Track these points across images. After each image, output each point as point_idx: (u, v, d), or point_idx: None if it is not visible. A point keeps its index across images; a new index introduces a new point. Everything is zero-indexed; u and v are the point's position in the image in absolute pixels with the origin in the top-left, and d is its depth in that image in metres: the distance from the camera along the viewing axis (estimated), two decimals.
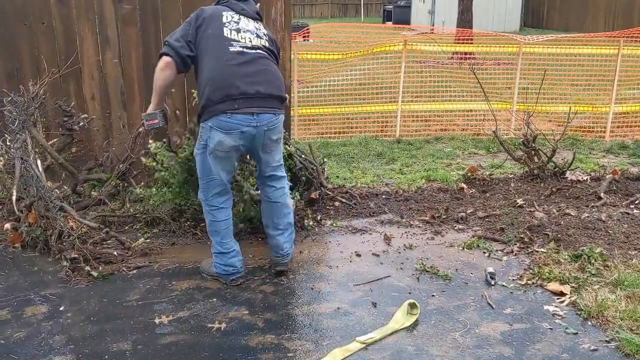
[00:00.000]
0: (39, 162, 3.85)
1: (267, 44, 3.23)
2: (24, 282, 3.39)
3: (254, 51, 3.13)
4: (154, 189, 3.93)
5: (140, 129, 4.08)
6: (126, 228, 4.08)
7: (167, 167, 3.83)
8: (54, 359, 2.67)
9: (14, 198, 3.77)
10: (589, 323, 2.95)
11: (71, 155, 4.30)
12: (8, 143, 3.91)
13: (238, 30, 3.14)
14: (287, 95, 3.38)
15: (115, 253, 3.62)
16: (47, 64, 4.36)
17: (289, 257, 3.45)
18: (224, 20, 3.15)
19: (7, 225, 3.86)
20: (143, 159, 3.97)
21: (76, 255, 3.45)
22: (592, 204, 4.51)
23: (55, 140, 4.21)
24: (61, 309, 3.09)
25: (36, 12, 4.36)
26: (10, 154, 3.87)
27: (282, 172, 3.44)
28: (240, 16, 3.22)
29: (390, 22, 22.68)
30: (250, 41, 3.15)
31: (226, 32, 3.12)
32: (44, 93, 3.95)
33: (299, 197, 4.11)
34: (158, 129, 3.49)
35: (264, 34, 3.26)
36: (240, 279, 3.34)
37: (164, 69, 3.12)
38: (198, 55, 3.13)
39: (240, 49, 3.10)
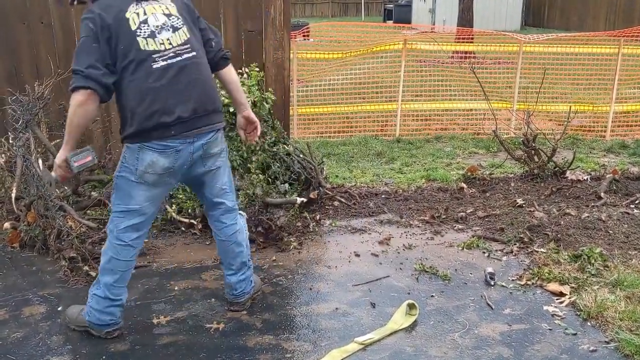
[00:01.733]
0: (40, 161, 3.85)
1: (187, 34, 2.69)
2: (22, 282, 3.38)
3: (178, 59, 2.63)
4: None
5: None
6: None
7: None
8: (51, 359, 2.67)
9: (13, 196, 3.77)
10: (589, 324, 2.94)
11: None
12: (11, 141, 3.91)
13: (153, 36, 2.59)
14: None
15: None
16: (46, 64, 4.35)
17: (246, 296, 3.08)
18: (132, 26, 2.56)
19: (7, 225, 3.85)
20: None
21: (75, 255, 3.44)
22: (592, 204, 4.50)
23: (57, 140, 4.20)
24: (59, 309, 3.08)
25: (35, 11, 4.35)
26: (12, 152, 3.88)
27: (232, 202, 2.99)
28: (142, 6, 2.61)
29: (391, 21, 22.68)
30: (170, 44, 2.62)
31: (142, 43, 2.56)
32: (49, 94, 3.94)
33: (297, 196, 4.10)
34: (90, 168, 3.23)
35: (177, 17, 2.68)
36: (117, 330, 2.84)
37: (83, 104, 2.51)
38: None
39: (164, 63, 2.59)
